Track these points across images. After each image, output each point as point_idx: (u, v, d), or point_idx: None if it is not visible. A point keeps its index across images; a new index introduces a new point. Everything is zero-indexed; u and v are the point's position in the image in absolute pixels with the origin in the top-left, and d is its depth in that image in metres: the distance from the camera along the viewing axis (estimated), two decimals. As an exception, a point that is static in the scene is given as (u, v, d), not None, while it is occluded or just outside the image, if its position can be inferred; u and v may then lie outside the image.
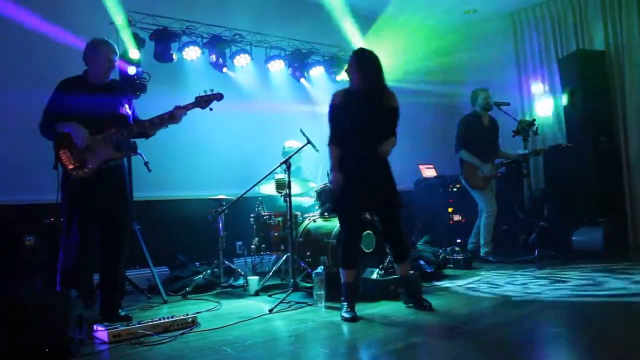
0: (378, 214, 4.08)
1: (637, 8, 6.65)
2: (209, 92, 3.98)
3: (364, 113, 3.69)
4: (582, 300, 3.87)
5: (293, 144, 5.28)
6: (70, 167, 3.64)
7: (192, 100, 3.95)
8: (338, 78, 6.83)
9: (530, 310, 3.74)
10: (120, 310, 3.89)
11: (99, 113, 3.73)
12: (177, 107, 3.88)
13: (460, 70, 8.28)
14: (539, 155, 6.18)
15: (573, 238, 6.02)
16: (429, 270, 5.06)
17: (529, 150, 5.82)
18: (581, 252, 5.88)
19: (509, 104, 6.12)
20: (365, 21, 7.17)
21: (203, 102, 3.94)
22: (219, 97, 4.01)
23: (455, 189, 6.94)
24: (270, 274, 5.06)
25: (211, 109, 3.98)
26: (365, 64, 3.73)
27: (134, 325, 3.39)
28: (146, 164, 4.52)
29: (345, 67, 3.96)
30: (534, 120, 5.86)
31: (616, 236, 6.14)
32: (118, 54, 3.93)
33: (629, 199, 6.73)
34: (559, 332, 3.16)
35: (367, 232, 4.71)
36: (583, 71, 6.62)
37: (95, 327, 3.38)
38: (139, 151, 4.59)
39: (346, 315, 3.63)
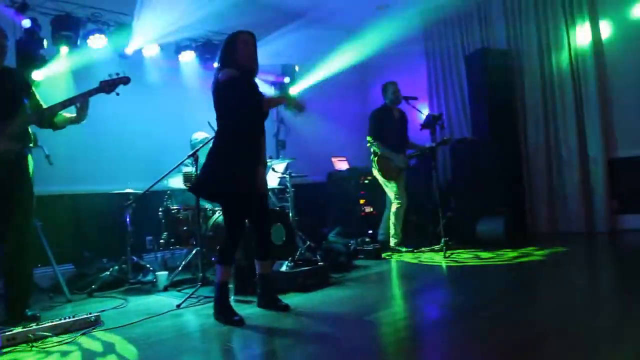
0: (254, 206, 3.73)
1: (534, 10, 7.00)
2: (114, 76, 3.78)
3: (254, 95, 3.53)
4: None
5: (201, 135, 5.19)
6: None
7: (97, 85, 3.76)
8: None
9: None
10: (27, 310, 3.72)
11: None
12: (80, 94, 3.73)
13: (373, 64, 8.44)
14: (446, 144, 6.34)
15: (477, 227, 6.30)
16: (340, 261, 5.14)
17: (436, 142, 5.98)
18: (484, 240, 6.17)
19: (416, 98, 6.29)
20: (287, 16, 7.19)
21: (108, 86, 3.74)
22: (125, 80, 3.79)
23: (367, 181, 7.04)
24: (180, 268, 4.98)
25: (117, 94, 3.78)
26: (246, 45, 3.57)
27: (31, 327, 3.24)
28: (47, 157, 4.33)
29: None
30: (441, 114, 6.08)
31: (516, 225, 6.49)
32: (7, 38, 3.73)
33: (528, 191, 7.08)
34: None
35: (277, 224, 4.73)
36: (487, 68, 6.90)
37: (-10, 330, 3.21)
38: (39, 144, 4.41)
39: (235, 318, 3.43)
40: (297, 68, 7.48)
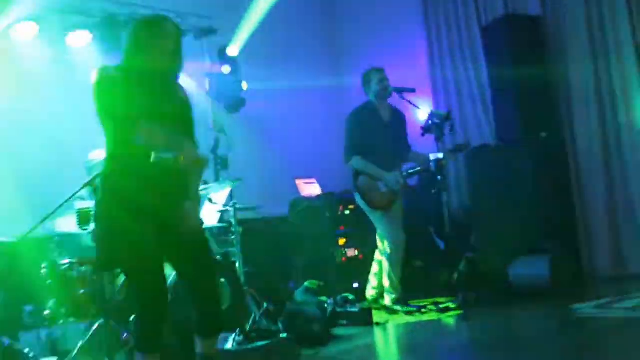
0: (175, 259, 3.68)
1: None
2: None
3: (145, 98, 3.48)
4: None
5: (101, 155, 5.11)
6: None
7: None
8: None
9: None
10: None
11: None
12: None
13: (350, 47, 8.58)
14: (461, 151, 6.33)
15: (511, 271, 6.25)
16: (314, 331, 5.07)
17: (447, 150, 5.95)
18: (523, 289, 6.11)
19: (414, 90, 6.23)
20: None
21: None
22: None
23: (348, 212, 7.04)
24: (76, 352, 4.84)
25: None
26: (151, 35, 3.49)
27: None
28: None
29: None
30: (450, 111, 6.00)
31: (567, 265, 6.41)
32: None
33: (581, 216, 7.06)
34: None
35: (219, 280, 4.66)
36: (514, 44, 6.91)
37: None
38: None
39: None
40: (233, 51, 7.50)
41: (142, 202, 3.38)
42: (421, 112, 6.42)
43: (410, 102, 6.24)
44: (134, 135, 3.25)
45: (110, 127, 3.42)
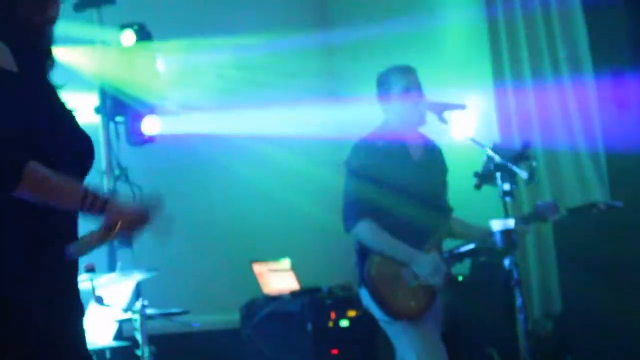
0: None
1: None
2: None
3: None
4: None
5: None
6: None
7: None
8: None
9: None
10: None
11: None
12: None
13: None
14: (547, 218, 5.88)
15: None
16: None
17: (520, 218, 5.62)
18: None
19: (463, 108, 5.67)
20: None
21: None
22: None
23: (346, 322, 7.03)
24: None
25: None
26: None
27: None
28: None
29: None
30: (527, 147, 5.61)
31: None
32: None
33: None
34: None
35: None
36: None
37: None
38: None
39: None
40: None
41: None
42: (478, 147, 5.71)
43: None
44: None
45: None
